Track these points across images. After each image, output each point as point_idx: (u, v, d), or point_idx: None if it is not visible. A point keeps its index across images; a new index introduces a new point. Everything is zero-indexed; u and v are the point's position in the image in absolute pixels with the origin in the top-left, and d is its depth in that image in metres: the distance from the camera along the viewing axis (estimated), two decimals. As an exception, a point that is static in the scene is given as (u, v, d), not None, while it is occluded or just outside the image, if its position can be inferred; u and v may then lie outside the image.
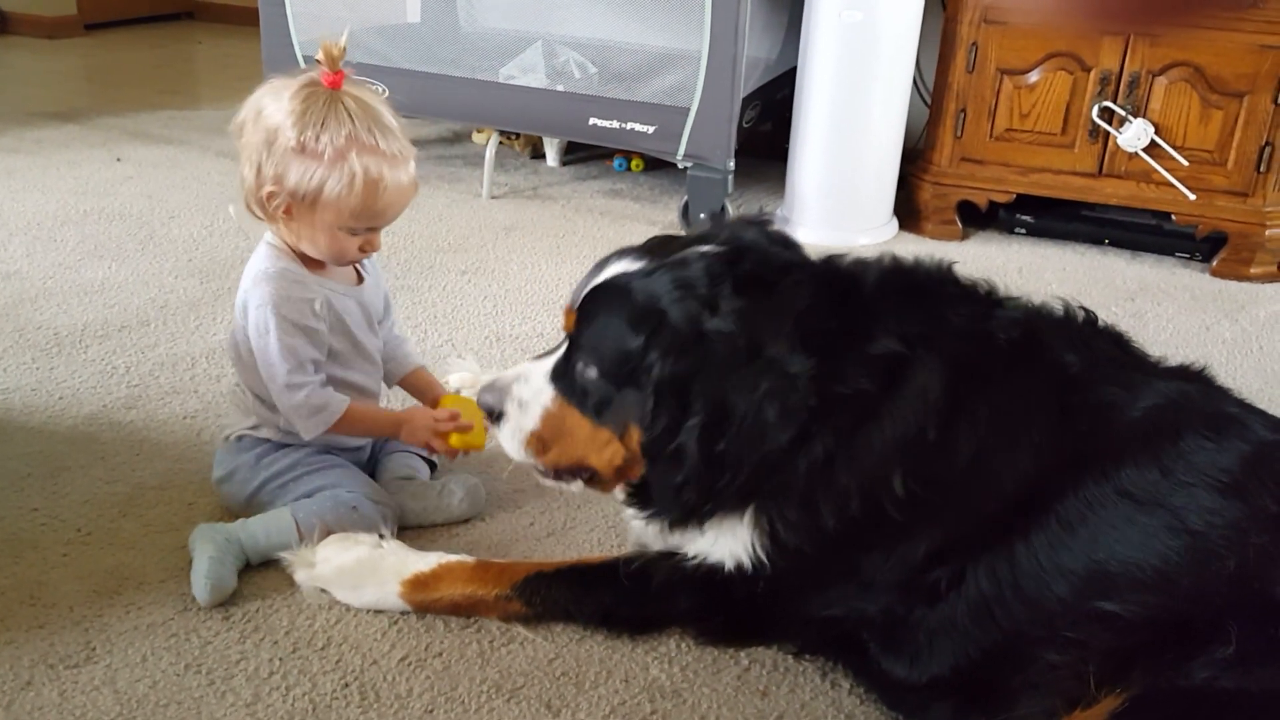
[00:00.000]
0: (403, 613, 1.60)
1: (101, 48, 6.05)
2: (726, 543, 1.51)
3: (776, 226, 1.61)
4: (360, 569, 1.61)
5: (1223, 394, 1.51)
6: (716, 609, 1.56)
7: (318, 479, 1.75)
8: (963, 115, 3.43)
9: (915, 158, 3.67)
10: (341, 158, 1.61)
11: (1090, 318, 1.55)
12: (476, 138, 4.27)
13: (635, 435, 1.50)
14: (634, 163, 4.06)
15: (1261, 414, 1.46)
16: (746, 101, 3.35)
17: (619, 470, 1.57)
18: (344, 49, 1.65)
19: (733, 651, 1.57)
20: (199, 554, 1.61)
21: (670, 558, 1.58)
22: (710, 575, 1.54)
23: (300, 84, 1.65)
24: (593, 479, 1.61)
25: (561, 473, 1.62)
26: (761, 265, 1.49)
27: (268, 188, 1.66)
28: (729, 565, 1.52)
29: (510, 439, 1.60)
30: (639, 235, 3.44)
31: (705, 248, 1.51)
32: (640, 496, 1.58)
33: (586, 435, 1.55)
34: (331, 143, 1.61)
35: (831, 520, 1.42)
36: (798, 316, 1.43)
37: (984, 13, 3.31)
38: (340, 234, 1.69)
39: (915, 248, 3.20)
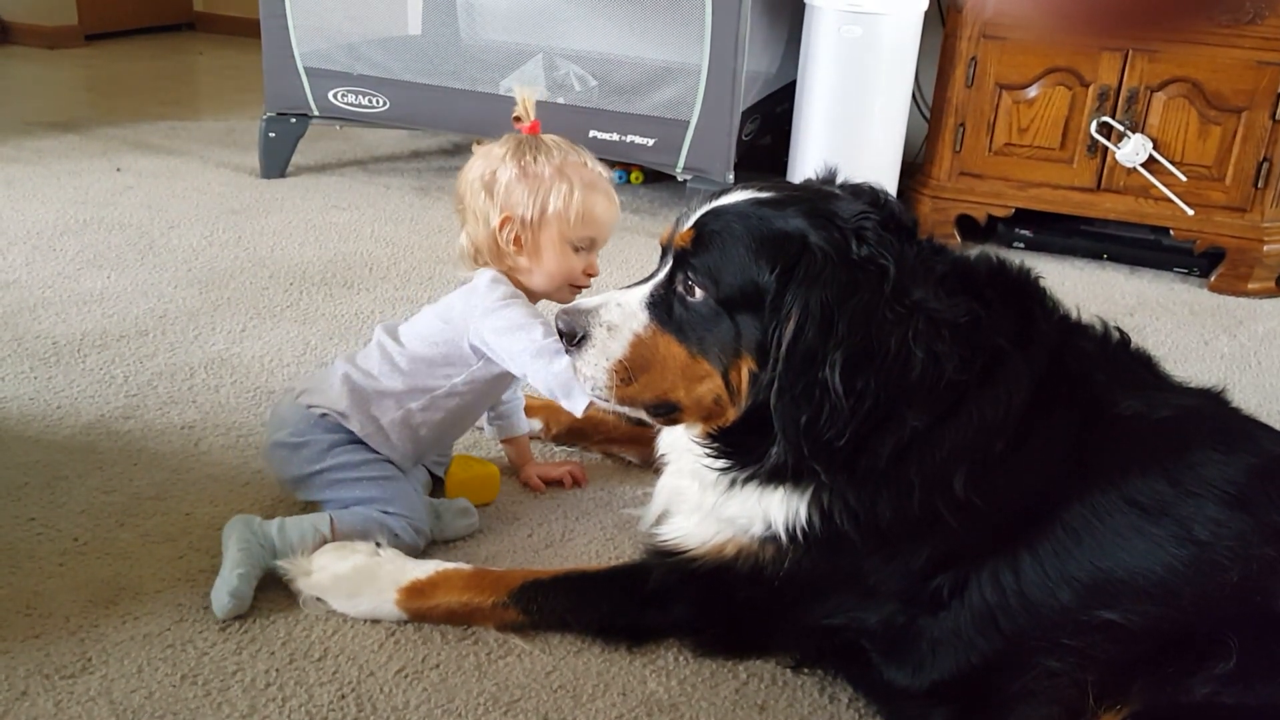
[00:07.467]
0: (400, 623, 1.59)
1: (102, 58, 6.06)
2: (772, 509, 1.46)
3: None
4: (357, 577, 1.60)
5: (1233, 411, 1.51)
6: (715, 616, 1.55)
7: (374, 489, 1.73)
8: (962, 130, 3.44)
9: (914, 171, 3.67)
10: (560, 174, 1.81)
11: (1124, 339, 1.54)
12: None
13: (745, 369, 1.42)
14: (634, 175, 4.07)
15: (1271, 430, 1.47)
16: (746, 115, 3.36)
17: (707, 410, 1.49)
18: (535, 101, 1.93)
19: (731, 665, 1.56)
20: (229, 561, 1.59)
21: (669, 557, 1.56)
22: (711, 576, 1.52)
23: (503, 139, 1.87)
24: (667, 414, 1.53)
25: (633, 403, 1.53)
26: (902, 215, 1.47)
27: (498, 217, 1.81)
28: (757, 529, 1.47)
29: (593, 365, 1.51)
30: (639, 248, 3.45)
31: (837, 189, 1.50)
32: (724, 442, 1.49)
33: (680, 367, 1.47)
34: (549, 163, 1.82)
35: (889, 512, 1.39)
36: (940, 275, 1.39)
37: (983, 28, 3.33)
38: (568, 252, 1.83)
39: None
